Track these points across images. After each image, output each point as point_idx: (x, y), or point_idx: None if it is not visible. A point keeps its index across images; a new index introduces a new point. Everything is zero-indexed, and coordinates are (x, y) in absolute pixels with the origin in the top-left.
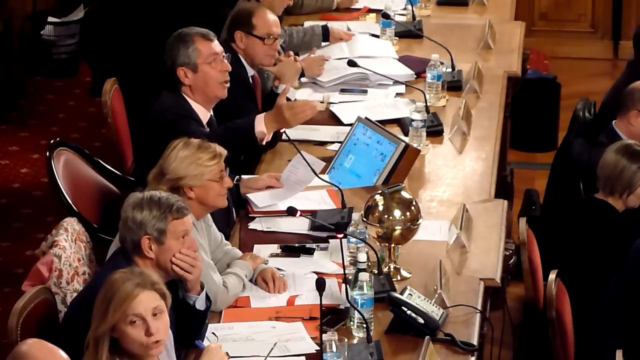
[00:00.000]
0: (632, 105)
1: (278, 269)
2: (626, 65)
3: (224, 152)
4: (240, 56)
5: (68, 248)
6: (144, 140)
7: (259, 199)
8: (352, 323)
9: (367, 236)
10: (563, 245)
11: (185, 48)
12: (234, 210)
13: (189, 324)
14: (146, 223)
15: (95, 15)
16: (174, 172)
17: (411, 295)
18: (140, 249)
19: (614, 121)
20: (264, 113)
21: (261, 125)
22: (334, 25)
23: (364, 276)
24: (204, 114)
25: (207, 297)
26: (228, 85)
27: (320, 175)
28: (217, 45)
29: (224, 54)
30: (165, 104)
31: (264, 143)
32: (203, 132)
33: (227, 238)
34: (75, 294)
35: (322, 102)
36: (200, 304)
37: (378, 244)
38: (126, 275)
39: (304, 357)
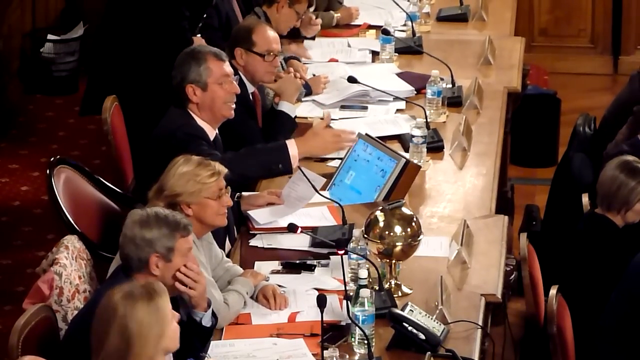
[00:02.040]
0: None
1: (279, 285)
2: (629, 80)
3: (224, 170)
4: (240, 73)
5: (69, 266)
6: (149, 158)
7: (260, 216)
8: (353, 339)
9: (368, 252)
10: (564, 260)
11: (197, 66)
12: (234, 227)
13: (194, 341)
14: (155, 241)
15: (95, 32)
16: (172, 188)
17: (412, 311)
18: (147, 266)
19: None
20: (295, 139)
21: (294, 149)
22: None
23: (365, 292)
24: (211, 132)
25: (214, 314)
26: (234, 106)
27: (321, 192)
28: (228, 67)
29: (234, 75)
30: (174, 122)
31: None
32: (215, 156)
33: (226, 255)
34: (76, 312)
35: (322, 119)
36: (206, 321)
37: (379, 260)
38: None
39: None
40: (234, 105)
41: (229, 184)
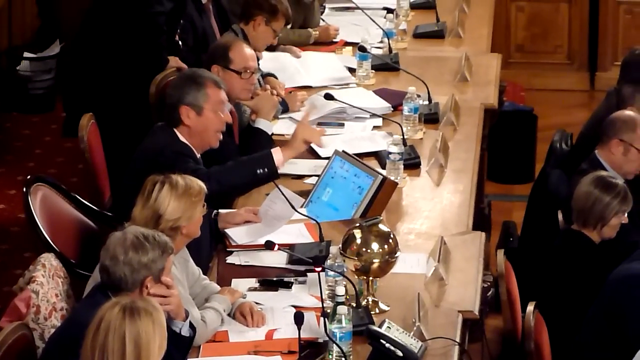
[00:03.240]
0: (613, 134)
1: (256, 302)
2: (605, 96)
3: (204, 185)
4: None
5: (46, 284)
6: (133, 176)
7: (237, 236)
8: (330, 356)
9: (345, 269)
10: (541, 276)
11: (196, 90)
12: (211, 241)
13: (172, 353)
14: (151, 264)
15: (70, 50)
16: (172, 213)
17: (390, 328)
18: (139, 288)
19: (596, 150)
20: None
21: (278, 155)
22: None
23: (342, 309)
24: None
25: (191, 324)
26: (221, 137)
27: (298, 209)
28: (224, 95)
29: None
30: (161, 140)
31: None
32: (202, 170)
33: (204, 272)
34: (53, 330)
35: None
36: (185, 331)
37: (356, 277)
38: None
39: None
40: (221, 136)
41: (219, 197)
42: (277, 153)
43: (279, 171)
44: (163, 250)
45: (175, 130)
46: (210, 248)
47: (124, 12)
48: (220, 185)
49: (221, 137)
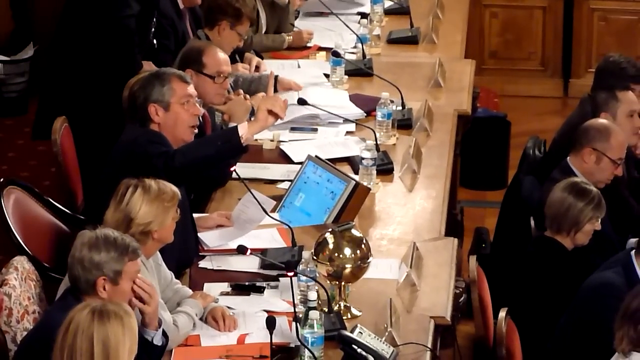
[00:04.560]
0: (586, 142)
1: (228, 307)
2: (579, 103)
3: (178, 191)
4: None
5: (18, 287)
6: (108, 175)
7: (210, 239)
8: None
9: (317, 274)
10: (513, 283)
11: (160, 86)
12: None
13: None
14: (103, 264)
15: (44, 54)
16: (144, 217)
17: (361, 333)
18: (94, 288)
19: (568, 157)
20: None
21: (243, 128)
22: (284, 77)
23: (314, 314)
24: None
25: (164, 334)
26: (196, 130)
27: (271, 214)
28: (192, 89)
29: (197, 98)
30: (135, 133)
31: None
32: (170, 151)
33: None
34: (25, 333)
35: (272, 141)
36: (157, 340)
37: (328, 282)
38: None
39: None
40: (196, 130)
41: (188, 173)
42: (242, 127)
43: (250, 170)
44: (122, 252)
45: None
46: (195, 244)
47: (94, 16)
48: (186, 158)
49: (196, 131)
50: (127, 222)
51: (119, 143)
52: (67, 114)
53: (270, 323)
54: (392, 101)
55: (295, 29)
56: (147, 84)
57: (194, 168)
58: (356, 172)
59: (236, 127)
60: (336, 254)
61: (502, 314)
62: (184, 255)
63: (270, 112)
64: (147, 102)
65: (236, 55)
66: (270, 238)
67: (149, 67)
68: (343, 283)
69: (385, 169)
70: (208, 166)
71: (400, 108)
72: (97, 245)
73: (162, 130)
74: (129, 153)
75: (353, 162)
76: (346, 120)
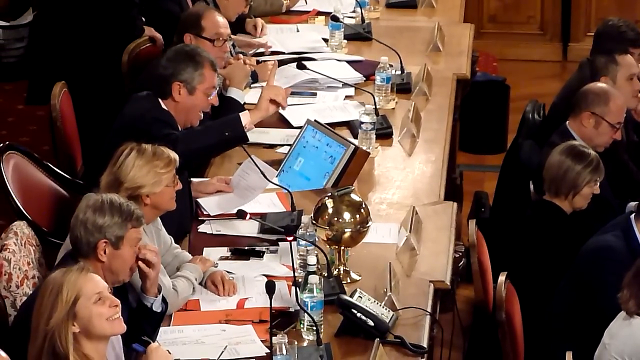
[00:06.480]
0: (585, 106)
1: (228, 272)
2: (578, 67)
3: (177, 157)
4: None
5: (17, 252)
6: (110, 142)
7: (210, 206)
8: (302, 326)
9: (316, 239)
10: (512, 247)
11: (193, 68)
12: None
13: (144, 326)
14: (106, 228)
15: (43, 18)
16: (133, 181)
17: (361, 297)
18: (94, 251)
19: (567, 122)
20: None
21: (246, 116)
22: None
23: (313, 279)
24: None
25: (164, 300)
26: (202, 116)
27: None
28: (216, 79)
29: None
30: (143, 106)
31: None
32: (173, 135)
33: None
34: (24, 298)
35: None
36: (157, 306)
37: (328, 246)
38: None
39: None
40: (202, 116)
41: (189, 161)
42: (244, 116)
43: (249, 135)
44: (126, 218)
45: (160, 101)
46: (191, 214)
47: None
48: (188, 147)
49: (202, 116)
50: (117, 185)
51: (124, 115)
52: (65, 78)
53: (270, 287)
54: (391, 65)
55: None
56: (181, 61)
57: (195, 156)
58: (355, 137)
59: (239, 116)
60: (335, 218)
61: (502, 277)
62: (179, 224)
63: (272, 101)
64: (173, 78)
65: (231, 48)
66: (270, 202)
67: (149, 32)
68: (342, 247)
69: (384, 133)
70: (210, 155)
71: (399, 72)
72: (102, 209)
73: (176, 109)
74: (132, 128)
75: (352, 127)
76: (345, 85)
